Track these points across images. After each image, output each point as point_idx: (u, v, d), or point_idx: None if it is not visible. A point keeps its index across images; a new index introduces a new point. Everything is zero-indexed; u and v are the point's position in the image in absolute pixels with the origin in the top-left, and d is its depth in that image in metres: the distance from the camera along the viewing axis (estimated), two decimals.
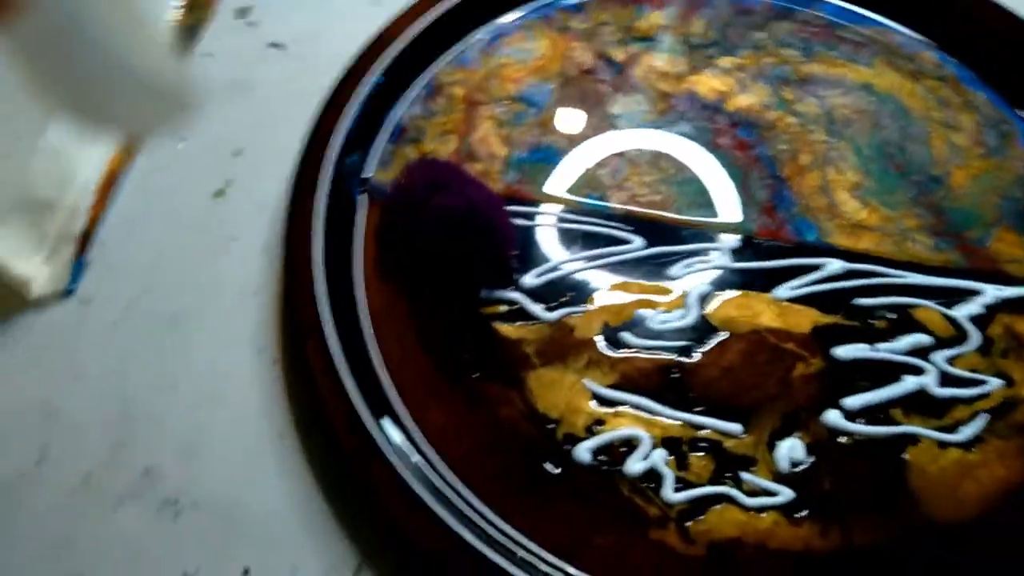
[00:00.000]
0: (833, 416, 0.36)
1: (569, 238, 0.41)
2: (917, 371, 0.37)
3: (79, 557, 0.32)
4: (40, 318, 0.39)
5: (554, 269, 0.40)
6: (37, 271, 0.38)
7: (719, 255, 0.40)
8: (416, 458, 0.34)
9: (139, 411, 0.36)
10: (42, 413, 0.36)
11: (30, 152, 0.39)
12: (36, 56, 0.15)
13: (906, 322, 0.39)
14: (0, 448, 0.35)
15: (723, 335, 0.38)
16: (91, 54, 0.15)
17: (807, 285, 0.39)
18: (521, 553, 0.32)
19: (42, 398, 0.36)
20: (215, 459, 0.35)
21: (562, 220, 0.41)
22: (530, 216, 0.41)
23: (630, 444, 0.35)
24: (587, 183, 0.42)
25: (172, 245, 0.41)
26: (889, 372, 0.37)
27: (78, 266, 0.40)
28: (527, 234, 0.41)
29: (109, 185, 0.42)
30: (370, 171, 0.42)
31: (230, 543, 0.33)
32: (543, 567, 0.32)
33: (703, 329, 0.38)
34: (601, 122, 0.45)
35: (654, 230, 0.41)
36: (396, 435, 0.34)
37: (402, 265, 0.39)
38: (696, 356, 0.37)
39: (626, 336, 0.38)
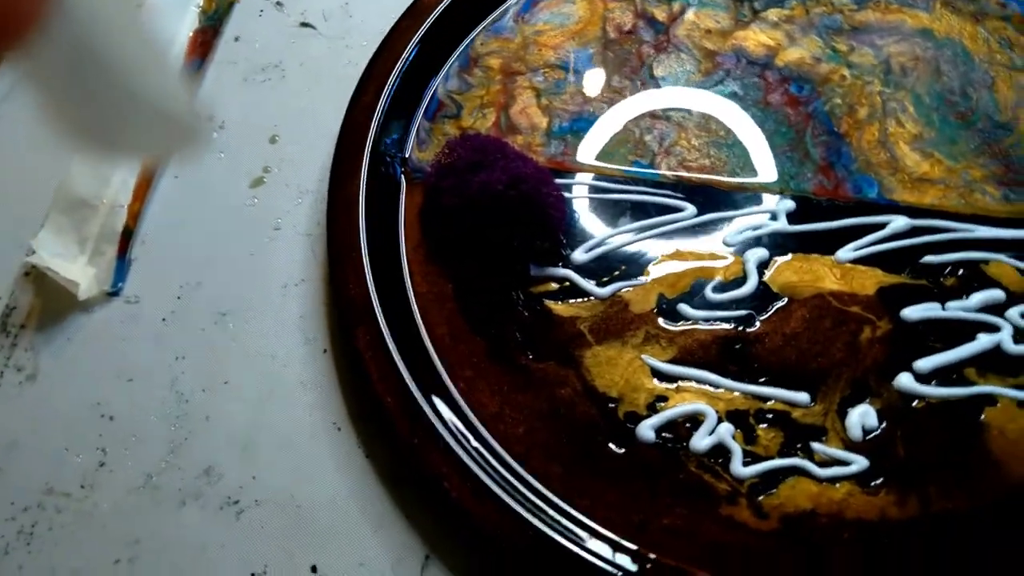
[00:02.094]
0: (905, 380, 0.34)
1: (617, 209, 0.39)
2: (991, 328, 0.35)
3: (145, 559, 0.32)
4: (89, 320, 0.38)
5: (604, 242, 0.38)
6: (82, 273, 0.38)
7: (775, 218, 0.39)
8: (475, 443, 0.33)
9: (193, 409, 0.36)
10: (98, 417, 0.36)
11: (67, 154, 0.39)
12: (50, 83, 0.15)
13: (977, 278, 0.37)
14: (60, 454, 0.35)
15: (784, 301, 0.37)
16: (104, 82, 0.15)
17: (870, 245, 0.38)
18: (587, 537, 0.31)
19: (96, 401, 0.36)
20: (273, 454, 0.35)
21: (609, 191, 0.40)
22: (576, 188, 0.40)
23: (695, 420, 0.34)
24: (633, 150, 0.41)
25: (214, 238, 0.40)
26: (961, 331, 0.35)
27: (122, 265, 0.39)
28: (573, 207, 0.39)
29: (147, 181, 0.41)
30: (409, 150, 0.41)
31: (294, 540, 0.33)
32: (610, 549, 0.31)
33: (763, 296, 0.37)
34: (645, 86, 0.43)
35: (706, 195, 0.39)
36: (453, 421, 0.34)
37: (447, 246, 0.38)
38: (758, 325, 0.36)
39: (684, 308, 0.37)
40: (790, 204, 0.39)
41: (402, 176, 0.40)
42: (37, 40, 0.14)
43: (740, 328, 0.36)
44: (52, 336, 0.38)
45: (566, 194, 0.39)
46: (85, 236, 0.39)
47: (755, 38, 0.44)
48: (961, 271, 0.37)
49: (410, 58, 0.43)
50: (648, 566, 0.31)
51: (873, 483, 0.32)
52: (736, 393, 0.35)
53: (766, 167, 0.40)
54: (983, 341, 0.35)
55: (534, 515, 0.31)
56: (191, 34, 0.46)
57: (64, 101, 0.16)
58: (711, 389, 0.35)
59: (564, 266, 0.38)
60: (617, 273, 0.38)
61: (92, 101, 0.16)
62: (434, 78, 0.43)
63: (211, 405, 0.36)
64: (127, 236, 0.40)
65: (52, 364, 0.37)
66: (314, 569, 0.32)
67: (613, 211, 0.39)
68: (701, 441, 0.34)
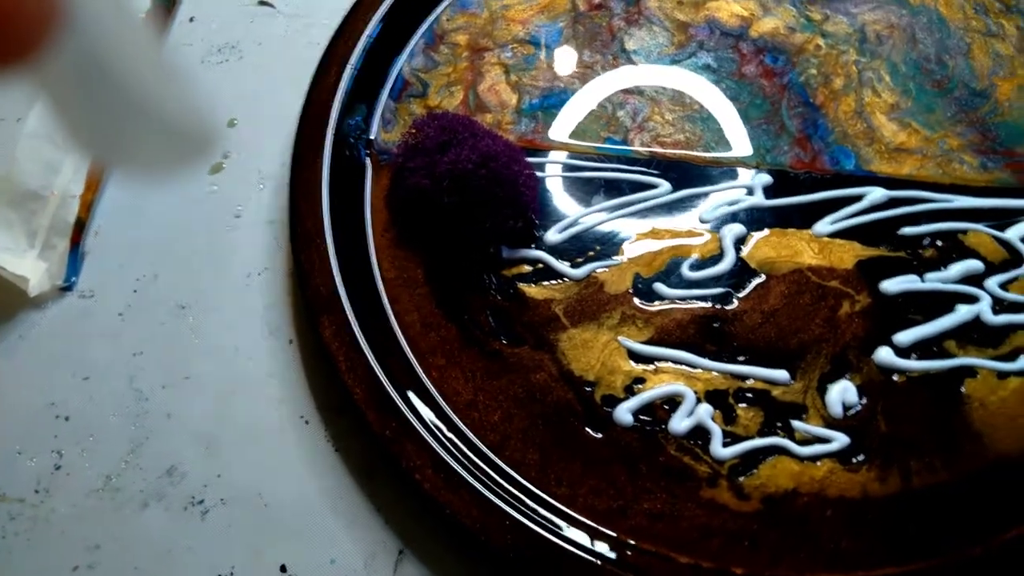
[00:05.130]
0: (884, 354, 0.34)
1: (591, 187, 0.38)
2: (970, 299, 0.35)
3: (107, 565, 0.31)
4: (41, 317, 0.37)
5: (577, 222, 0.37)
6: (32, 268, 0.36)
7: (752, 193, 0.38)
8: (449, 433, 0.32)
9: (154, 407, 0.34)
10: (52, 417, 0.34)
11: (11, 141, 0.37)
12: (59, 96, 0.15)
13: (956, 248, 0.36)
14: (12, 458, 0.33)
15: (762, 278, 0.36)
16: (114, 95, 0.15)
17: (848, 217, 0.37)
18: (565, 526, 0.30)
19: (51, 401, 0.35)
20: (238, 451, 0.33)
21: (582, 168, 0.39)
22: (548, 167, 0.39)
23: (673, 401, 0.33)
24: (606, 127, 0.40)
25: (171, 227, 0.39)
26: (941, 303, 0.35)
27: (75, 258, 0.38)
28: (546, 186, 0.38)
29: (99, 171, 0.40)
30: (374, 132, 0.40)
31: (263, 539, 0.31)
32: (589, 538, 0.30)
33: (741, 273, 0.36)
34: (616, 60, 0.42)
35: (681, 171, 0.38)
36: (426, 411, 0.33)
37: (416, 229, 0.37)
38: (735, 303, 0.35)
39: (660, 287, 0.36)
40: (767, 178, 0.38)
41: (367, 159, 0.39)
42: (46, 54, 0.13)
43: (718, 306, 0.35)
44: (2, 334, 0.36)
45: (538, 173, 0.38)
46: (35, 229, 0.37)
47: (728, 8, 0.43)
48: (939, 242, 0.36)
49: (373, 36, 0.41)
50: (628, 552, 0.30)
51: (855, 460, 0.32)
52: (714, 373, 0.34)
53: (741, 141, 0.39)
54: (962, 312, 0.35)
55: (511, 505, 0.31)
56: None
57: (75, 115, 0.16)
58: (689, 369, 0.34)
59: (537, 247, 0.37)
60: (591, 253, 0.37)
61: (103, 115, 0.15)
62: (398, 56, 0.42)
63: (172, 402, 0.34)
64: (80, 228, 0.38)
65: (3, 364, 0.35)
66: (283, 568, 0.31)
67: (586, 189, 0.38)
68: (680, 423, 0.33)
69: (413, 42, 0.42)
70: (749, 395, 0.33)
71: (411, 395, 0.33)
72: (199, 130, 0.17)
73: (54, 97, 0.15)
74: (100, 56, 0.14)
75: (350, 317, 0.34)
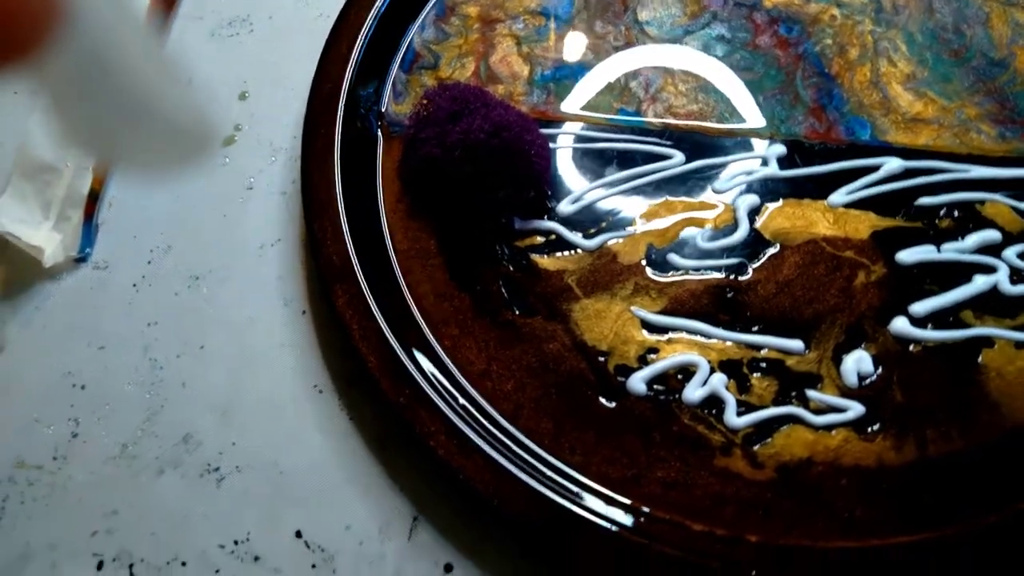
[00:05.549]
0: (900, 324, 0.34)
1: (603, 159, 0.38)
2: (987, 269, 0.35)
3: (124, 530, 0.31)
4: (56, 288, 0.37)
5: (590, 193, 0.37)
6: (47, 239, 0.36)
7: (766, 163, 0.37)
8: (463, 401, 0.32)
9: (169, 376, 0.34)
10: (69, 386, 0.34)
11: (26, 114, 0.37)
12: (60, 95, 0.15)
13: (973, 219, 0.36)
14: (30, 426, 0.34)
15: (776, 248, 0.36)
16: (114, 94, 0.15)
17: (863, 188, 0.37)
18: (581, 492, 0.30)
19: (67, 370, 0.35)
20: (253, 420, 0.33)
21: (594, 139, 0.39)
22: (560, 138, 0.39)
23: (687, 371, 0.33)
24: (619, 97, 0.40)
25: (184, 199, 0.39)
26: (957, 273, 0.35)
27: (88, 230, 0.38)
28: (558, 158, 0.38)
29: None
30: (385, 104, 0.40)
31: (278, 506, 0.32)
32: (604, 504, 0.30)
33: (755, 244, 0.36)
34: (629, 31, 0.41)
35: (694, 142, 0.38)
36: (440, 378, 0.33)
37: (428, 200, 0.37)
38: (750, 273, 0.35)
39: (673, 258, 0.35)
40: (781, 149, 0.38)
41: (379, 130, 0.39)
42: (47, 53, 0.13)
43: (732, 276, 0.35)
44: (18, 305, 0.36)
45: (550, 144, 0.38)
46: (49, 200, 0.37)
47: None
48: (956, 212, 0.36)
49: (383, 8, 0.41)
50: (643, 519, 0.30)
51: (870, 429, 0.32)
52: (728, 343, 0.34)
53: (755, 111, 0.39)
54: (979, 283, 0.34)
55: (525, 472, 0.30)
56: None
57: (74, 114, 0.16)
58: (703, 339, 0.34)
59: (549, 218, 0.37)
60: (604, 224, 0.37)
61: (103, 113, 0.16)
62: (409, 28, 0.42)
63: (187, 371, 0.35)
64: (93, 200, 0.38)
65: (19, 334, 0.36)
66: (299, 534, 0.31)
67: (599, 161, 0.38)
68: (694, 392, 0.33)
69: (424, 14, 0.42)
70: (763, 365, 0.33)
71: (425, 363, 0.33)
72: (199, 129, 0.17)
73: (54, 95, 0.15)
74: (101, 55, 0.15)
75: (363, 286, 0.34)
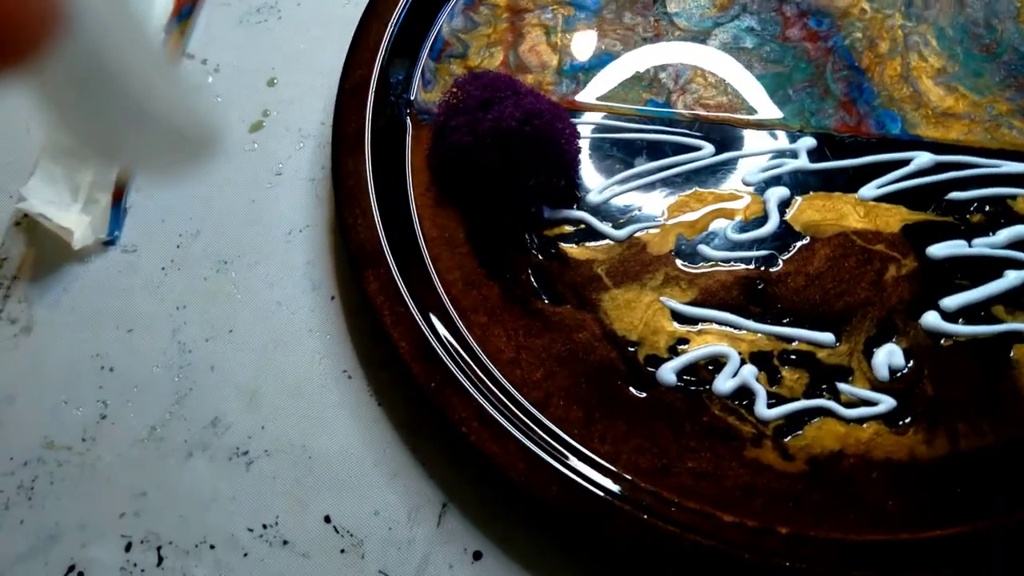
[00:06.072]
0: (931, 318, 0.34)
1: (633, 149, 0.38)
2: (1019, 265, 0.34)
3: (153, 512, 0.31)
4: (85, 271, 0.37)
5: (619, 183, 0.37)
6: (76, 221, 0.36)
7: (796, 156, 0.37)
8: (493, 387, 0.32)
9: (197, 359, 0.34)
10: (97, 368, 0.34)
11: None
12: (59, 96, 0.15)
13: (1004, 214, 0.36)
14: (59, 408, 0.33)
15: (807, 240, 0.35)
16: (114, 97, 0.15)
17: (894, 182, 0.36)
18: (610, 482, 0.30)
19: (96, 352, 0.35)
20: (282, 404, 0.33)
21: (623, 130, 0.39)
22: (588, 127, 0.39)
23: (717, 362, 0.33)
24: (648, 88, 0.39)
25: (213, 185, 0.39)
26: (989, 268, 0.35)
27: (117, 213, 0.38)
28: (587, 147, 0.38)
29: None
30: (414, 92, 0.39)
31: (306, 490, 0.32)
32: (634, 492, 0.30)
33: (785, 236, 0.36)
34: (658, 22, 0.41)
35: (724, 134, 0.38)
36: (471, 365, 0.32)
37: (458, 188, 0.37)
38: (780, 265, 0.35)
39: (704, 249, 0.35)
40: (811, 141, 0.38)
41: (408, 118, 0.39)
42: (46, 56, 0.13)
43: (762, 268, 0.35)
44: (47, 287, 0.36)
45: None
46: (78, 184, 0.37)
47: None
48: (987, 207, 0.36)
49: None
50: (673, 509, 0.30)
51: (901, 422, 0.32)
52: (759, 335, 0.34)
53: (785, 104, 0.39)
54: (1011, 278, 0.34)
55: (556, 460, 0.30)
56: None
57: (74, 116, 0.16)
58: (733, 331, 0.34)
59: (579, 208, 0.37)
60: (634, 214, 0.36)
61: (103, 116, 0.15)
62: (438, 16, 0.42)
63: (215, 355, 0.34)
64: (122, 184, 0.38)
65: (48, 315, 0.36)
66: (327, 519, 0.31)
67: (628, 151, 0.38)
68: (724, 383, 0.33)
69: (453, 2, 0.42)
70: (794, 357, 0.33)
71: (456, 348, 0.33)
72: (199, 132, 0.17)
73: (55, 98, 0.15)
74: (101, 58, 0.14)
75: (394, 272, 0.34)
